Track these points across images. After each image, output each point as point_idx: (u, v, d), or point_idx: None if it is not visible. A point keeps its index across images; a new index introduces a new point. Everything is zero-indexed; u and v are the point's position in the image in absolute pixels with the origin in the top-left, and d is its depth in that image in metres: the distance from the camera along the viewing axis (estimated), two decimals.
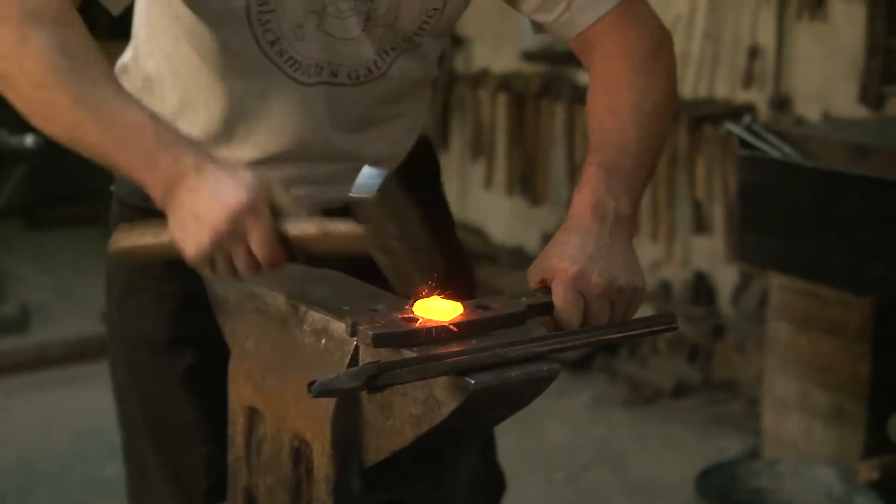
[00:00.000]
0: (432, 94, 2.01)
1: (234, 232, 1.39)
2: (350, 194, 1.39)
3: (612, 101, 1.63)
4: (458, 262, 1.99)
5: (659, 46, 1.69)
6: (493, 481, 2.04)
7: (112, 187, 1.87)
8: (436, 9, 1.70)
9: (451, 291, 1.41)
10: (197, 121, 1.74)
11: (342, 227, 1.42)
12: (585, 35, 1.69)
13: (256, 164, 1.74)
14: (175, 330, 1.80)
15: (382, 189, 1.37)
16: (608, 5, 1.67)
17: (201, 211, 1.39)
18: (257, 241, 1.40)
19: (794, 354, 3.35)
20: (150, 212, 1.51)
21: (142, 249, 1.55)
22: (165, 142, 1.41)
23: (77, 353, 4.56)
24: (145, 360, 1.81)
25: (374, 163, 1.41)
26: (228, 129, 1.74)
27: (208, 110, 1.74)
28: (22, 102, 1.47)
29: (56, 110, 1.44)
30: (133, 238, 1.56)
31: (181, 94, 1.74)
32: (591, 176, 1.53)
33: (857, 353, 3.20)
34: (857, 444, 3.21)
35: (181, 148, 1.42)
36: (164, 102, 1.76)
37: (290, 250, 1.43)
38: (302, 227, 1.43)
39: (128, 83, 1.78)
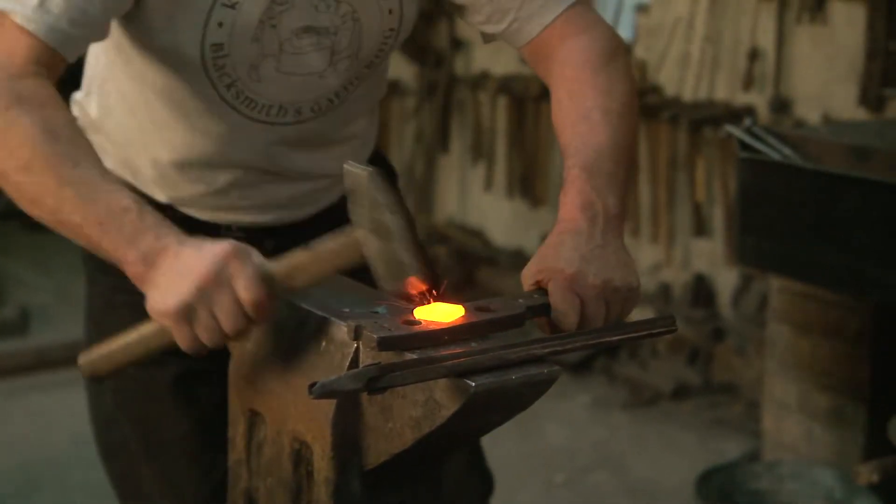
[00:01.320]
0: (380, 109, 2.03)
1: (218, 277, 1.36)
2: (347, 166, 1.39)
3: (580, 105, 1.63)
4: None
5: (613, 49, 1.69)
6: (481, 481, 2.03)
7: None
8: (392, 29, 1.73)
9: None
10: (154, 157, 1.78)
11: (333, 242, 1.42)
12: (536, 43, 1.70)
13: (216, 192, 1.80)
14: None
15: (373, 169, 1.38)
16: (555, 11, 1.68)
17: (183, 266, 1.37)
18: (244, 281, 1.36)
19: (794, 357, 3.35)
20: None
21: (119, 354, 1.55)
22: (147, 223, 1.42)
23: (77, 355, 4.51)
24: (130, 375, 1.78)
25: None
26: (186, 163, 1.78)
27: (165, 147, 1.78)
28: (8, 186, 1.48)
29: (42, 193, 1.45)
30: (104, 348, 1.54)
31: (136, 132, 1.78)
32: (575, 178, 1.53)
33: (857, 355, 3.20)
34: (857, 446, 3.21)
35: (163, 228, 1.42)
36: (117, 140, 1.81)
37: (275, 290, 1.40)
38: (290, 260, 1.43)
39: (80, 119, 1.83)
